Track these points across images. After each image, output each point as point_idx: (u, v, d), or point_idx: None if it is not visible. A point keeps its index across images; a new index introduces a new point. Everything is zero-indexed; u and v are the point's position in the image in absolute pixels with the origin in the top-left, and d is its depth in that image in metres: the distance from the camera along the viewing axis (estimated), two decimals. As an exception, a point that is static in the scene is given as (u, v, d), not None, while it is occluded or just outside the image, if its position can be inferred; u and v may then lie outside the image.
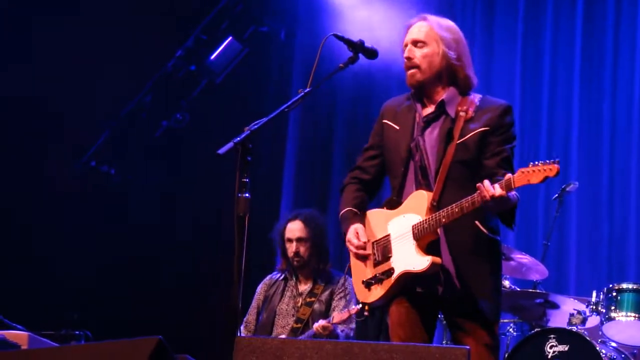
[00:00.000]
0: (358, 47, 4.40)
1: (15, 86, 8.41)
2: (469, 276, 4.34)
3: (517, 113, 8.91)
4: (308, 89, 4.30)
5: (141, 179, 9.12)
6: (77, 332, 6.72)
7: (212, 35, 9.12)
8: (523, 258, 7.10)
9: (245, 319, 6.59)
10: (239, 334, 3.92)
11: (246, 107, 9.06)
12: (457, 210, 4.21)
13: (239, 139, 4.00)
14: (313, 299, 6.46)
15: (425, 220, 4.31)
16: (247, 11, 9.21)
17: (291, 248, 6.51)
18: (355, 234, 4.48)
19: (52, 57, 8.53)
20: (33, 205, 8.71)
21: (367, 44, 4.45)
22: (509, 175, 4.09)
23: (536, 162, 4.08)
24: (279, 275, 6.67)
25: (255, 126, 4.08)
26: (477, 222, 4.33)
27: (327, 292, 6.50)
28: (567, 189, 7.42)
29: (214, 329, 8.63)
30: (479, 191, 4.13)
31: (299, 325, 6.36)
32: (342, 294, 6.50)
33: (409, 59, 4.45)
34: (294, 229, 6.54)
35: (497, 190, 4.08)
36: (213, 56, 9.12)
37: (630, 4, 8.78)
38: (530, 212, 8.75)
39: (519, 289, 7.14)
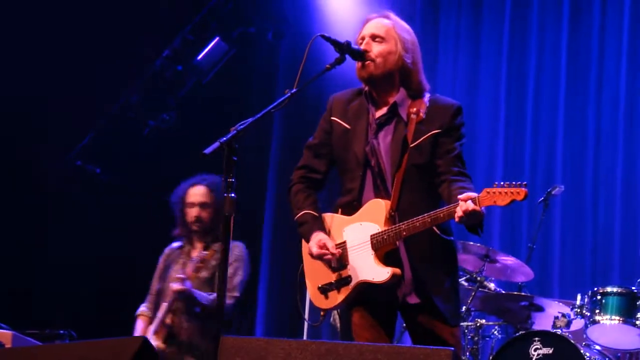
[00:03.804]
0: (345, 48, 4.38)
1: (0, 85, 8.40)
2: (428, 281, 4.33)
3: (502, 115, 8.97)
4: (294, 90, 4.28)
5: (127, 178, 9.10)
6: (61, 332, 6.70)
7: (199, 36, 9.12)
8: (508, 260, 7.11)
9: (149, 291, 6.40)
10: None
11: (233, 107, 9.06)
12: (418, 224, 4.19)
13: (225, 138, 3.98)
14: (202, 264, 6.19)
15: (385, 231, 4.28)
16: (235, 12, 9.21)
17: (192, 212, 6.24)
18: (319, 244, 4.38)
19: (39, 57, 8.51)
20: (18, 203, 8.68)
21: (354, 45, 4.45)
22: (474, 195, 4.05)
23: (502, 183, 4.05)
24: (178, 243, 6.42)
25: (242, 126, 4.07)
26: (434, 226, 4.30)
27: (216, 258, 6.17)
28: (553, 192, 7.45)
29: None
30: (448, 207, 4.12)
31: None
32: (229, 261, 5.95)
33: (366, 51, 4.42)
34: (198, 193, 6.29)
35: (470, 205, 4.04)
36: (200, 56, 9.12)
37: (615, 7, 8.81)
38: (514, 214, 8.77)
39: (504, 292, 7.15)
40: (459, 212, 4.06)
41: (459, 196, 4.08)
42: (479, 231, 4.23)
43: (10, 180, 8.62)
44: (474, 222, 4.13)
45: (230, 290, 6.08)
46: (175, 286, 5.97)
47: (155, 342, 5.98)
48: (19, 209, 8.66)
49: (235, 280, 6.14)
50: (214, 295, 5.99)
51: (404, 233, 4.24)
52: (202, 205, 6.27)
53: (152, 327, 6.11)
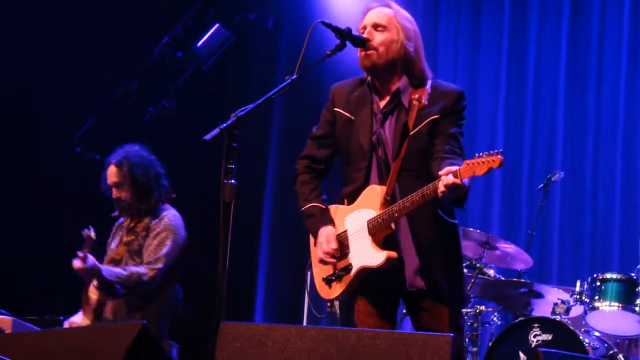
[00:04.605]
0: (345, 35, 4.37)
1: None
2: (433, 267, 4.34)
3: (502, 103, 8.96)
4: (295, 76, 4.28)
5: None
6: (60, 318, 6.70)
7: (199, 22, 9.11)
8: (508, 247, 7.12)
9: None
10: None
11: (233, 93, 9.06)
12: (408, 204, 4.20)
13: (225, 125, 3.98)
14: (133, 237, 6.02)
15: (379, 215, 4.29)
16: (235, -2, 9.22)
17: (113, 194, 6.07)
18: (327, 239, 4.42)
19: (37, 45, 8.50)
20: (18, 190, 8.68)
21: (355, 31, 4.44)
22: (455, 168, 4.03)
23: (480, 154, 4.02)
24: (121, 219, 6.27)
25: (242, 112, 4.07)
26: (437, 209, 4.33)
27: (145, 228, 6.01)
28: (553, 178, 7.45)
29: (198, 315, 8.63)
30: (433, 183, 4.11)
31: (111, 265, 5.94)
32: (157, 231, 5.99)
33: (367, 39, 4.42)
34: (110, 174, 6.10)
35: (450, 179, 4.03)
36: (200, 43, 9.11)
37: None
38: (514, 201, 8.78)
39: (503, 278, 7.17)
40: (440, 186, 4.06)
41: (440, 172, 4.09)
42: (464, 206, 4.27)
43: (9, 167, 8.61)
44: (457, 195, 4.12)
45: (153, 262, 5.88)
46: (75, 263, 5.76)
47: (83, 320, 5.88)
48: (17, 196, 8.66)
49: (160, 252, 5.92)
50: (131, 269, 5.83)
51: (396, 214, 4.25)
52: (115, 185, 6.09)
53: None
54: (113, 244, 6.13)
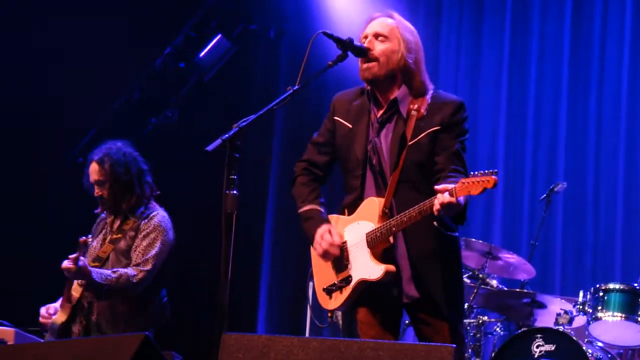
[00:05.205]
0: (347, 45, 4.39)
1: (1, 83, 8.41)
2: (430, 279, 4.34)
3: (504, 113, 8.96)
4: (297, 87, 4.29)
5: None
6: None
7: (201, 33, 9.13)
8: (510, 258, 7.12)
9: None
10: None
11: (235, 104, 9.06)
12: (405, 219, 4.20)
13: (227, 136, 3.98)
14: (120, 235, 5.89)
15: (377, 228, 4.30)
16: (237, 9, 9.22)
17: (95, 192, 5.96)
18: (321, 236, 4.40)
19: (38, 56, 8.51)
20: (20, 201, 8.68)
21: (356, 42, 4.45)
22: (451, 186, 4.04)
23: (476, 173, 4.03)
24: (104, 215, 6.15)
25: (244, 123, 4.07)
26: (435, 222, 4.32)
27: (134, 228, 5.88)
28: (555, 189, 7.45)
29: (200, 326, 8.63)
30: (430, 200, 4.12)
31: (96, 264, 5.81)
32: (147, 232, 5.85)
33: (368, 49, 4.43)
34: (92, 172, 5.98)
35: (446, 197, 4.03)
36: (202, 54, 9.13)
37: (617, 2, 8.81)
38: (516, 212, 8.77)
39: (506, 289, 7.16)
40: (436, 204, 4.07)
41: (436, 187, 4.09)
42: (463, 222, 4.29)
43: (12, 178, 8.62)
44: (452, 213, 4.15)
45: (142, 263, 5.75)
46: (65, 263, 5.62)
47: (59, 315, 5.79)
48: (20, 206, 8.66)
49: (149, 253, 5.78)
50: (120, 271, 5.72)
51: (394, 229, 4.25)
52: (97, 183, 5.98)
53: (60, 302, 5.89)
54: (95, 242, 6.02)
